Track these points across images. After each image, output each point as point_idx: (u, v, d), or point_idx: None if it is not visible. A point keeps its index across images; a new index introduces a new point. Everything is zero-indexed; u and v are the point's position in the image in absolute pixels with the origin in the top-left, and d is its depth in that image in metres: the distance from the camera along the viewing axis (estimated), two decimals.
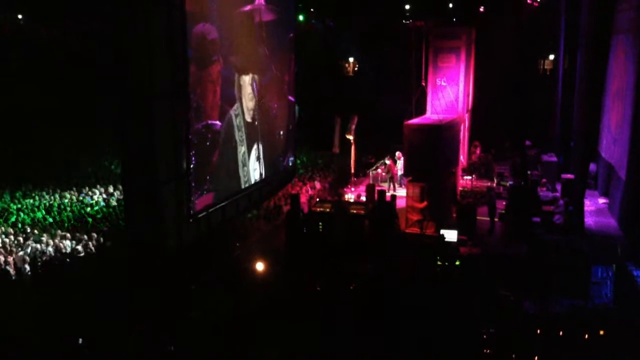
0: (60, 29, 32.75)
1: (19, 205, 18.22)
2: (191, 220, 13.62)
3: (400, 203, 17.58)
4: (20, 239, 14.81)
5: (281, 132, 19.62)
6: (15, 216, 17.12)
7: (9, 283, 12.55)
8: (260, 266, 13.40)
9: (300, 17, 22.13)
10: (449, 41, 21.87)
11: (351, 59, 32.20)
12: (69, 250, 14.05)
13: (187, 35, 13.01)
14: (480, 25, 24.21)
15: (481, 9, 29.51)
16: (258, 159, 17.63)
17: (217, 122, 14.84)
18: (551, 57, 30.30)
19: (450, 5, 30.04)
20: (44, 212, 17.48)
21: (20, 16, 35.68)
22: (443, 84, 21.82)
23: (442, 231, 15.31)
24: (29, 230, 15.72)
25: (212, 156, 14.69)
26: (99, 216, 16.90)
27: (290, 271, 14.06)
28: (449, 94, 21.66)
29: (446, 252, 14.19)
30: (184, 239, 13.36)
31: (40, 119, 28.10)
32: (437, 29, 22.00)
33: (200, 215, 14.03)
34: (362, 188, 20.34)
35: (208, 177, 14.44)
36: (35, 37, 33.58)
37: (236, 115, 16.01)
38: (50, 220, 16.77)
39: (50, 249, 13.99)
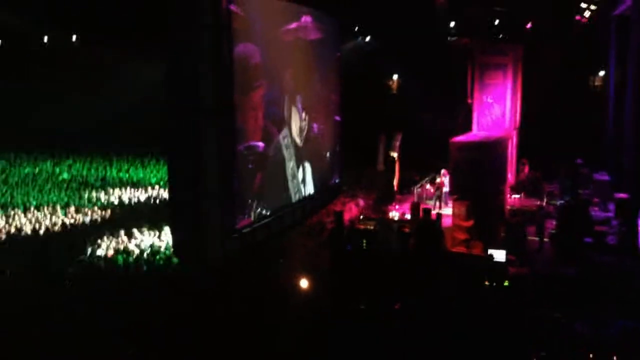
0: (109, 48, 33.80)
1: None
2: (235, 235, 13.71)
3: (446, 221, 17.30)
4: None
5: (327, 152, 19.60)
6: None
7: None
8: (303, 283, 13.33)
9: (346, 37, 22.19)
10: (496, 58, 21.62)
11: (395, 76, 32.08)
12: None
13: (232, 52, 13.20)
14: (527, 41, 23.83)
15: (529, 25, 29.06)
16: (304, 178, 17.63)
17: (260, 144, 14.83)
18: (601, 73, 29.50)
19: (497, 21, 29.66)
20: None
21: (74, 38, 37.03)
22: (490, 101, 21.53)
23: (490, 251, 14.95)
24: None
25: (254, 178, 14.67)
26: None
27: (334, 288, 13.94)
28: (496, 111, 21.34)
29: (494, 273, 13.84)
30: (228, 254, 13.45)
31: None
32: (483, 45, 21.78)
33: (244, 231, 14.10)
34: (406, 206, 20.12)
35: (249, 201, 14.43)
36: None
37: (284, 137, 16.11)
38: None
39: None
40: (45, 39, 37.44)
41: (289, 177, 16.46)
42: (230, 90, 13.29)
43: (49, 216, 19.88)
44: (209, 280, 12.42)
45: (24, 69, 34.39)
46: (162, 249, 15.71)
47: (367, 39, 32.25)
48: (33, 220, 19.51)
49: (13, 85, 33.17)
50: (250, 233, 14.43)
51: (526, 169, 24.34)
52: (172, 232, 13.96)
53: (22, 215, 20.25)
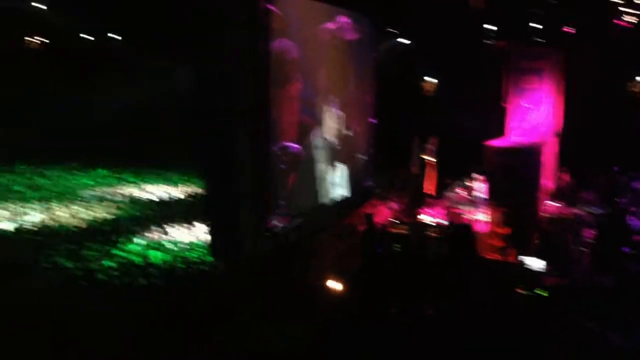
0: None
1: None
2: (267, 234, 13.78)
3: (481, 228, 17.08)
4: None
5: (361, 154, 19.55)
6: None
7: None
8: (333, 285, 13.32)
9: (382, 38, 22.11)
10: (533, 62, 21.28)
11: (430, 79, 31.81)
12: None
13: (269, 52, 13.22)
14: (567, 45, 23.37)
15: (568, 29, 28.53)
16: (337, 180, 17.60)
17: (294, 145, 14.88)
18: None
19: (535, 25, 29.19)
20: None
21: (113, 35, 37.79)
22: (526, 105, 21.18)
23: (525, 259, 14.74)
24: None
25: (287, 178, 14.74)
26: None
27: (364, 292, 13.89)
28: (533, 116, 20.99)
29: (529, 281, 13.63)
30: (261, 253, 13.53)
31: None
32: (520, 49, 21.46)
33: (276, 231, 14.16)
34: (440, 210, 19.93)
35: (282, 201, 14.47)
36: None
37: (317, 137, 16.09)
38: None
39: None
40: (88, 37, 38.38)
41: (321, 180, 16.45)
42: (266, 90, 13.34)
43: (85, 210, 20.34)
44: (241, 278, 12.51)
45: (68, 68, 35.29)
46: (194, 246, 15.94)
47: (402, 40, 32.10)
48: (70, 213, 19.98)
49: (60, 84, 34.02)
50: (283, 233, 14.48)
51: (564, 177, 23.87)
52: (208, 231, 14.14)
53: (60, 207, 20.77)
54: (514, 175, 16.11)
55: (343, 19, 17.21)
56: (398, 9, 25.21)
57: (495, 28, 27.97)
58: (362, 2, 18.46)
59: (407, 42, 31.60)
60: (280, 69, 13.86)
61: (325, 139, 16.32)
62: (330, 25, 16.61)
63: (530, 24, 26.06)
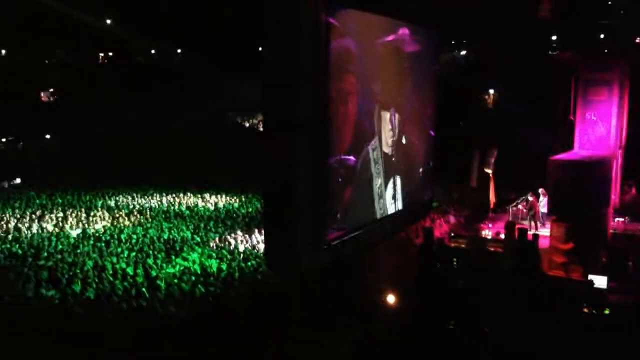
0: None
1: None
2: (325, 248, 13.78)
3: (543, 243, 16.57)
4: None
5: (420, 167, 19.23)
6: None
7: None
8: (390, 298, 13.19)
9: (442, 51, 21.93)
10: (601, 73, 20.54)
11: (491, 91, 31.30)
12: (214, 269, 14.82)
13: (329, 65, 13.27)
14: (635, 56, 22.50)
15: (637, 40, 27.53)
16: (394, 192, 17.40)
17: (351, 157, 14.77)
18: None
19: (602, 35, 28.31)
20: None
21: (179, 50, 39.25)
22: (593, 118, 20.46)
23: (590, 276, 14.18)
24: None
25: (344, 192, 14.60)
26: None
27: (421, 306, 13.68)
28: (600, 129, 20.26)
29: (594, 299, 13.10)
30: (318, 266, 13.54)
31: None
32: (587, 60, 20.77)
33: (334, 244, 14.14)
34: (501, 225, 19.46)
35: (338, 215, 14.39)
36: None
37: (373, 149, 15.95)
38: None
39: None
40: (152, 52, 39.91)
41: (377, 194, 16.31)
42: (326, 105, 13.36)
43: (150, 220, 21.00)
44: (299, 289, 12.57)
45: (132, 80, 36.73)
46: (253, 255, 16.18)
47: (463, 52, 31.76)
48: (135, 222, 20.64)
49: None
50: (340, 246, 14.46)
51: (633, 191, 22.92)
52: (265, 242, 14.28)
53: (126, 218, 21.50)
54: (579, 189, 15.55)
55: (403, 31, 17.09)
56: (461, 21, 25.00)
57: (561, 39, 27.32)
58: (425, 15, 18.33)
59: (469, 54, 31.30)
60: (338, 82, 13.87)
61: (382, 151, 16.21)
62: (390, 37, 16.53)
63: (598, 35, 25.31)
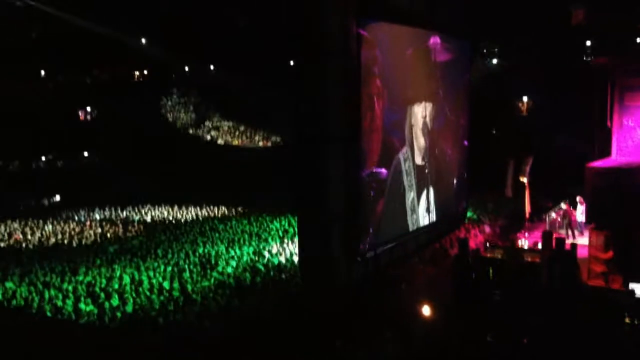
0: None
1: None
2: (359, 260, 13.74)
3: (582, 252, 16.21)
4: None
5: (454, 179, 18.98)
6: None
7: None
8: (425, 310, 13.06)
9: (475, 59, 21.72)
10: (638, 79, 20.14)
11: (525, 98, 30.87)
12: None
13: (361, 78, 13.29)
14: None
15: None
16: (428, 204, 17.18)
17: (383, 170, 14.66)
18: None
19: (638, 39, 27.72)
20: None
21: (212, 67, 40.00)
22: (631, 124, 20.04)
23: (632, 285, 13.82)
24: None
25: (376, 206, 14.48)
26: None
27: (458, 318, 13.51)
28: (638, 135, 19.82)
29: (636, 309, 12.74)
30: (353, 278, 13.52)
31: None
32: (623, 65, 20.37)
33: (367, 256, 14.10)
34: (537, 234, 19.12)
35: (371, 229, 14.30)
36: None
37: (405, 160, 15.79)
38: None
39: None
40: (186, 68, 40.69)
41: (410, 208, 16.12)
42: (358, 117, 13.37)
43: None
44: (334, 303, 12.55)
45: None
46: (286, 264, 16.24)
47: (495, 60, 31.44)
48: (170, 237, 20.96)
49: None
50: (374, 258, 14.42)
51: None
52: (299, 255, 14.32)
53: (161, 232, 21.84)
54: (618, 196, 15.22)
55: (435, 40, 16.97)
56: (493, 30, 24.80)
57: (596, 44, 26.86)
58: (456, 26, 18.25)
59: (502, 61, 30.98)
60: (367, 92, 13.84)
61: (415, 162, 16.09)
62: (421, 47, 16.43)
63: (635, 39, 24.80)
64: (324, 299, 12.59)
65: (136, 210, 26.99)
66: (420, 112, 16.47)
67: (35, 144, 36.13)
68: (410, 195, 16.18)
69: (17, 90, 38.02)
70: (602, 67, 20.93)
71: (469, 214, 21.88)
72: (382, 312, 13.23)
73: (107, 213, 26.48)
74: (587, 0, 26.43)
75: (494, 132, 28.58)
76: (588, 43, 28.96)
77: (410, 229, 16.31)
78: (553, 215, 20.97)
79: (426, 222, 17.14)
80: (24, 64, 37.52)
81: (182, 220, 24.59)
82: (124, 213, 26.56)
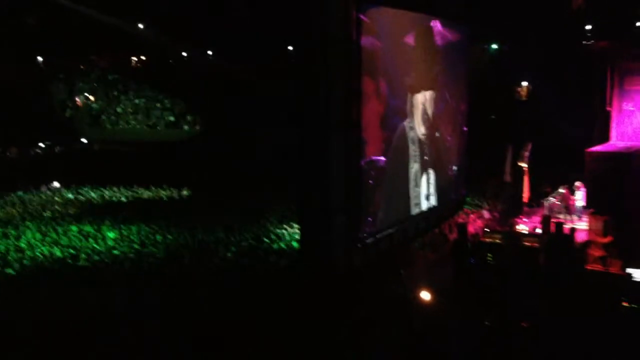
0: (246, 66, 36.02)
1: None
2: (360, 246, 13.77)
3: (581, 236, 16.31)
4: None
5: (454, 165, 18.91)
6: None
7: None
8: (425, 296, 13.14)
9: (474, 44, 21.57)
10: (638, 63, 20.11)
11: (525, 83, 30.79)
12: None
13: (361, 63, 13.20)
14: None
15: None
16: (428, 189, 17.09)
17: (381, 158, 14.54)
18: None
19: (638, 23, 27.58)
20: None
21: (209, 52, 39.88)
22: (631, 108, 20.04)
23: (629, 269, 13.92)
24: None
25: (376, 193, 14.38)
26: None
27: (457, 303, 13.60)
28: (638, 119, 19.83)
29: (634, 293, 12.85)
30: (352, 263, 13.57)
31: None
32: (623, 49, 20.33)
33: (367, 242, 14.13)
34: (537, 219, 19.20)
35: (372, 217, 14.24)
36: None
37: (411, 128, 15.60)
38: None
39: None
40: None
41: (412, 180, 15.96)
42: (359, 101, 13.31)
43: None
44: (333, 286, 12.61)
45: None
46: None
47: (494, 45, 31.29)
48: None
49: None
50: (373, 244, 14.44)
51: None
52: (301, 246, 14.36)
53: None
54: (618, 181, 15.28)
55: (435, 24, 16.84)
56: (493, 13, 24.63)
57: (596, 28, 26.72)
58: (456, 10, 18.13)
59: (501, 46, 30.83)
60: (367, 78, 13.75)
61: (418, 136, 15.90)
62: (421, 32, 16.30)
63: (634, 23, 24.68)
64: (324, 285, 12.65)
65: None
66: (421, 98, 16.37)
67: (33, 130, 36.08)
68: (415, 168, 15.97)
69: (13, 76, 37.96)
70: (601, 51, 20.89)
71: (467, 199, 21.92)
72: (382, 297, 13.32)
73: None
74: None
75: (493, 117, 28.54)
76: (588, 27, 28.83)
77: (411, 215, 16.28)
78: (552, 200, 21.04)
79: (426, 207, 17.15)
80: (21, 49, 37.33)
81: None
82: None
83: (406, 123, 15.46)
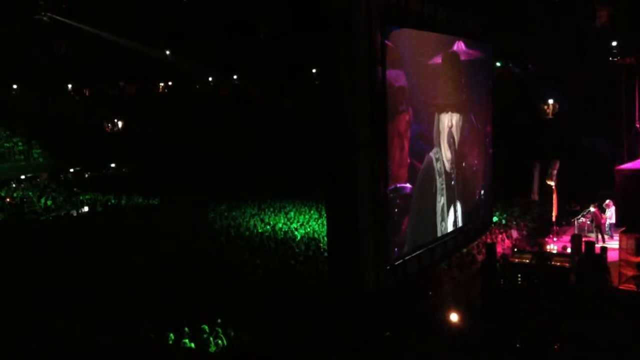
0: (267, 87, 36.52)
1: None
2: (388, 268, 13.72)
3: (612, 256, 16.00)
4: None
5: (481, 189, 18.62)
6: None
7: None
8: (454, 317, 13.02)
9: (498, 63, 21.45)
10: None
11: (551, 101, 30.57)
12: None
13: (386, 87, 13.25)
14: None
15: None
16: (455, 217, 16.84)
17: (407, 185, 14.31)
18: None
19: None
20: None
21: (235, 77, 40.40)
22: None
23: None
24: None
25: (403, 219, 14.21)
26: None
27: (486, 325, 13.43)
28: None
29: None
30: (382, 286, 13.52)
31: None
32: None
33: (397, 264, 14.07)
34: (566, 238, 18.91)
35: (400, 239, 14.14)
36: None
37: (437, 159, 15.42)
38: None
39: None
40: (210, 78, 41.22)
41: (439, 214, 15.80)
42: (384, 123, 13.33)
43: None
44: (363, 309, 12.59)
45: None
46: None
47: (518, 64, 31.22)
48: None
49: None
50: (402, 265, 14.39)
51: None
52: (329, 266, 14.34)
53: None
54: None
55: (459, 45, 16.78)
56: (516, 34, 24.62)
57: (622, 44, 26.54)
58: (479, 30, 18.14)
59: (525, 65, 30.73)
60: (394, 103, 13.72)
61: (445, 167, 15.77)
62: (445, 54, 16.25)
63: None
64: (353, 306, 12.63)
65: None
66: (447, 122, 16.18)
67: (65, 156, 37.01)
68: (441, 202, 15.83)
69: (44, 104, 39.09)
70: (628, 67, 20.71)
71: (495, 219, 21.68)
72: (409, 318, 13.23)
73: None
74: (611, 0, 26.17)
75: (520, 136, 28.34)
76: (614, 43, 28.64)
77: (439, 235, 16.11)
78: (582, 218, 20.70)
79: (453, 228, 16.95)
80: (50, 78, 38.36)
81: None
82: None
83: (432, 154, 15.28)
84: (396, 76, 13.74)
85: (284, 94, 36.53)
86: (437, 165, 15.50)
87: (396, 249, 14.01)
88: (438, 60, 15.79)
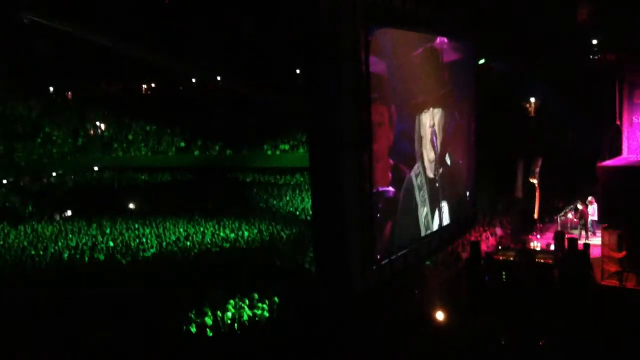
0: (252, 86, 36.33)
1: None
2: (374, 268, 13.67)
3: (595, 252, 16.12)
4: None
5: (466, 188, 18.52)
6: None
7: None
8: (439, 315, 13.04)
9: (482, 60, 21.45)
10: None
11: (533, 99, 30.72)
12: None
13: (370, 87, 13.17)
14: None
15: None
16: (440, 218, 16.68)
17: (390, 189, 14.05)
18: None
19: None
20: None
21: (219, 78, 40.29)
22: None
23: None
24: None
25: (386, 222, 14.00)
26: None
27: (471, 322, 13.47)
28: None
29: None
30: (369, 285, 13.48)
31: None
32: (632, 62, 20.26)
33: (383, 263, 14.01)
34: (549, 235, 19.02)
35: (385, 240, 13.91)
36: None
37: (417, 175, 15.07)
38: None
39: None
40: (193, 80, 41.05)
41: (423, 224, 15.62)
42: (369, 121, 13.25)
43: None
44: (350, 306, 12.56)
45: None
46: None
47: (500, 61, 31.31)
48: None
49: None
50: (388, 264, 14.35)
51: None
52: (317, 265, 14.26)
53: None
54: (631, 195, 15.13)
55: (442, 40, 16.67)
56: (497, 31, 24.68)
57: (603, 42, 26.72)
58: (461, 28, 18.15)
59: (507, 62, 30.83)
60: (377, 101, 13.61)
61: (426, 176, 15.48)
62: (428, 50, 16.16)
63: None
64: (340, 305, 12.60)
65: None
66: (429, 120, 16.07)
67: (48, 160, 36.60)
68: (424, 213, 15.64)
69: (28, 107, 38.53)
70: (610, 64, 20.85)
71: (479, 217, 21.69)
72: (397, 316, 13.23)
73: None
74: None
75: (503, 133, 28.46)
76: (594, 41, 28.85)
77: (423, 236, 15.96)
78: (568, 215, 20.79)
79: (438, 227, 16.86)
80: (31, 79, 37.91)
81: None
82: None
83: (412, 173, 14.91)
84: (381, 74, 13.65)
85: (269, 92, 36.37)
86: (418, 181, 15.12)
87: (382, 250, 13.93)
88: (421, 55, 15.66)
